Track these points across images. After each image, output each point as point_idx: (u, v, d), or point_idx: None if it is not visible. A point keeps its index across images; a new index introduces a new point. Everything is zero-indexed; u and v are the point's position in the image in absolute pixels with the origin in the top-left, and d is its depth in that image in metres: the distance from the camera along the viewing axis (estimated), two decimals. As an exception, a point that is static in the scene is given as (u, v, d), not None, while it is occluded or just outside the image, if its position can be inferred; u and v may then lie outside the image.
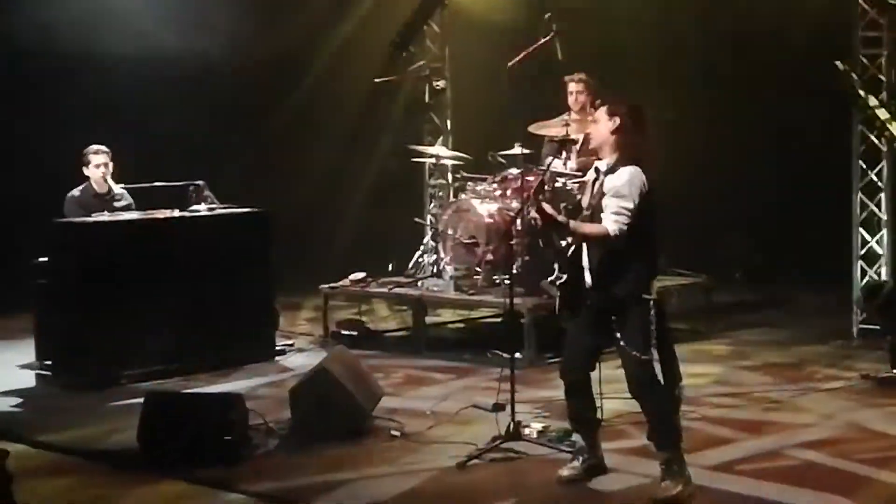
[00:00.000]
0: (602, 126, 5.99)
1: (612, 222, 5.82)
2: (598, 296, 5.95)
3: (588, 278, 5.99)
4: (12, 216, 11.15)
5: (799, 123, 12.01)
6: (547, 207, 5.90)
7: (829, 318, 10.45)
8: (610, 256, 5.90)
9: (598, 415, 6.26)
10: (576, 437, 6.35)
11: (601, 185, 5.95)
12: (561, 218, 5.92)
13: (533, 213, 5.94)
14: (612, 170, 5.93)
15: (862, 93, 9.67)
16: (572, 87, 9.65)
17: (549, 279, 6.65)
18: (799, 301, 11.65)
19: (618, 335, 5.90)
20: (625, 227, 5.81)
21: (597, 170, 6.05)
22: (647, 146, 6.01)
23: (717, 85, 12.28)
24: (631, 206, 5.81)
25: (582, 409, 6.19)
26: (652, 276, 5.99)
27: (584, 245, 5.99)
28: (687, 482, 5.93)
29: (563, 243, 6.16)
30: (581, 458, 6.24)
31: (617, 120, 5.95)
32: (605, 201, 5.87)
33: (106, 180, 9.38)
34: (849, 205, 10.07)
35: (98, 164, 9.34)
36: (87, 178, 9.38)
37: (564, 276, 6.10)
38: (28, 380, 8.73)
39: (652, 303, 5.89)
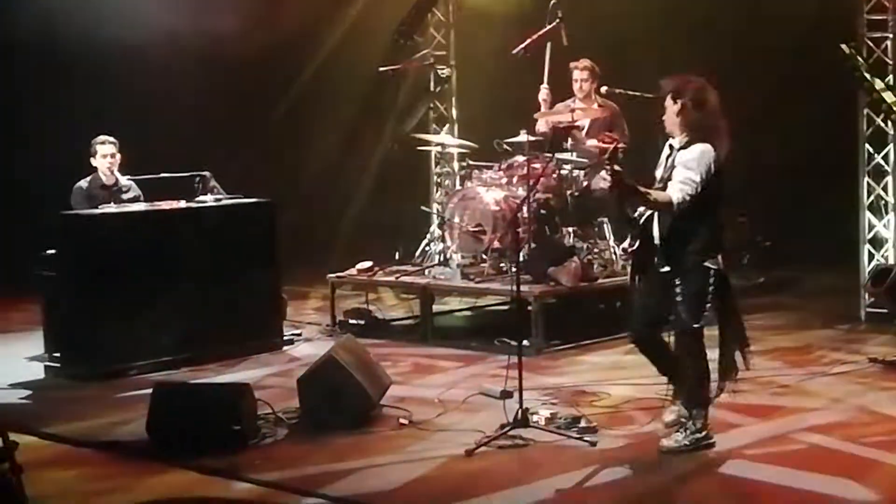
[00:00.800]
0: (669, 111, 6.37)
1: (677, 191, 6.20)
2: (664, 261, 6.32)
3: (657, 244, 6.35)
4: (19, 207, 11.18)
5: (805, 107, 11.98)
6: (620, 171, 6.16)
7: (836, 302, 10.43)
8: (677, 224, 6.27)
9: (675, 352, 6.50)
10: (668, 388, 6.67)
11: (674, 159, 6.32)
12: (630, 182, 6.18)
13: (606, 177, 6.18)
14: (685, 146, 6.32)
15: (868, 76, 9.64)
16: (577, 73, 9.66)
17: (623, 246, 6.93)
18: (806, 285, 11.64)
19: (678, 300, 6.26)
20: (688, 197, 6.19)
21: (671, 146, 6.42)
22: (714, 122, 6.37)
23: (721, 69, 12.15)
24: (698, 178, 6.20)
25: (662, 362, 6.59)
26: (716, 248, 6.35)
27: (656, 213, 6.34)
28: (696, 442, 6.34)
29: (636, 212, 6.46)
30: (671, 412, 6.63)
31: (681, 103, 6.33)
32: (675, 173, 6.26)
33: (113, 171, 9.35)
34: (856, 188, 10.05)
35: (105, 155, 9.33)
36: (95, 168, 9.38)
37: (637, 243, 6.46)
38: (37, 372, 8.74)
39: (713, 273, 6.28)
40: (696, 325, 6.29)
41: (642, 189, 6.22)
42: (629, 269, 6.64)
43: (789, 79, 12.05)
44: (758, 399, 7.48)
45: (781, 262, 11.88)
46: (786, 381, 7.89)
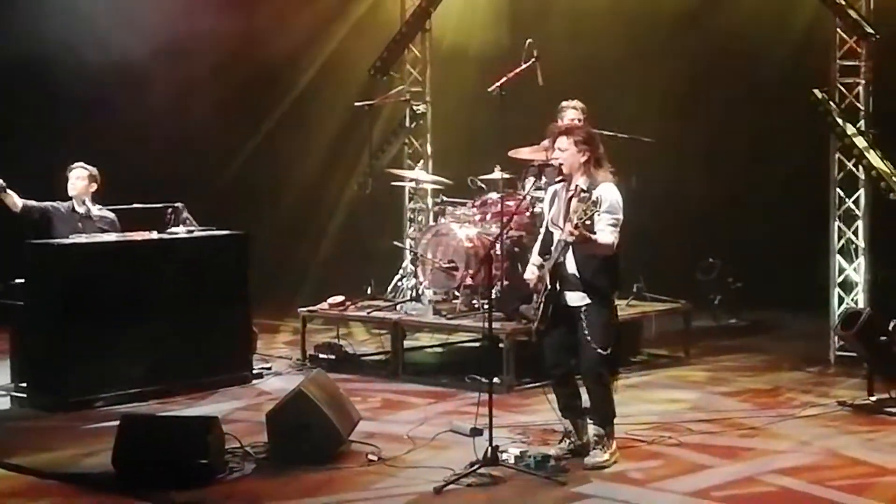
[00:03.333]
0: (567, 151, 6.85)
1: (609, 234, 6.71)
2: (574, 297, 6.81)
3: (575, 279, 6.79)
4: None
5: (776, 150, 12.08)
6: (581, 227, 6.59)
7: (806, 345, 10.48)
8: (597, 262, 6.78)
9: (582, 403, 7.05)
10: (565, 423, 7.11)
11: (581, 199, 6.60)
12: (587, 233, 6.61)
13: (570, 229, 6.55)
14: (591, 186, 6.74)
15: (840, 121, 9.75)
16: (571, 113, 9.47)
17: (534, 300, 7.05)
18: (776, 327, 11.69)
19: (585, 331, 6.77)
20: (618, 237, 6.75)
21: (577, 187, 6.78)
22: (604, 155, 6.96)
23: (693, 111, 12.34)
24: (621, 217, 6.77)
25: (569, 398, 7.06)
26: (618, 285, 7.06)
27: (572, 252, 6.75)
28: (613, 453, 6.90)
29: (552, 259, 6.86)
30: (568, 441, 7.05)
31: (576, 141, 6.85)
32: (598, 217, 6.63)
33: (83, 198, 9.31)
34: (827, 232, 10.11)
35: (77, 180, 9.28)
36: (70, 196, 9.32)
37: (549, 288, 6.82)
38: (3, 402, 8.66)
39: (614, 307, 7.01)
40: (606, 352, 6.78)
41: (592, 236, 6.63)
42: (540, 306, 6.87)
43: (762, 123, 12.16)
44: (726, 440, 7.50)
45: (752, 304, 11.94)
46: (755, 423, 7.90)
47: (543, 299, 6.86)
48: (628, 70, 12.35)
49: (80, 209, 9.31)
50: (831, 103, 9.81)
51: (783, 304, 11.94)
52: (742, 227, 12.40)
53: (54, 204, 9.27)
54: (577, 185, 6.80)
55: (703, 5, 12.17)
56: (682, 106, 12.34)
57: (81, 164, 9.39)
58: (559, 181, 6.97)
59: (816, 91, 9.81)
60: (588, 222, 6.57)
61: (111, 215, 9.40)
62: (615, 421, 7.03)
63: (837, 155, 9.99)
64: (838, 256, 10.07)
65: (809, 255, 10.79)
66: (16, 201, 9.05)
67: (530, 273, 7.09)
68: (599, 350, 6.77)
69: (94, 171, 9.39)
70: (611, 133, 9.12)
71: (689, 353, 10.13)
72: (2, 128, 11.99)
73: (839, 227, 10.06)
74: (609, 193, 6.73)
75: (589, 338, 6.77)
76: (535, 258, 7.10)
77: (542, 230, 7.15)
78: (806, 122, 10.43)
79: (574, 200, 6.68)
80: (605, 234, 6.69)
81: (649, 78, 12.33)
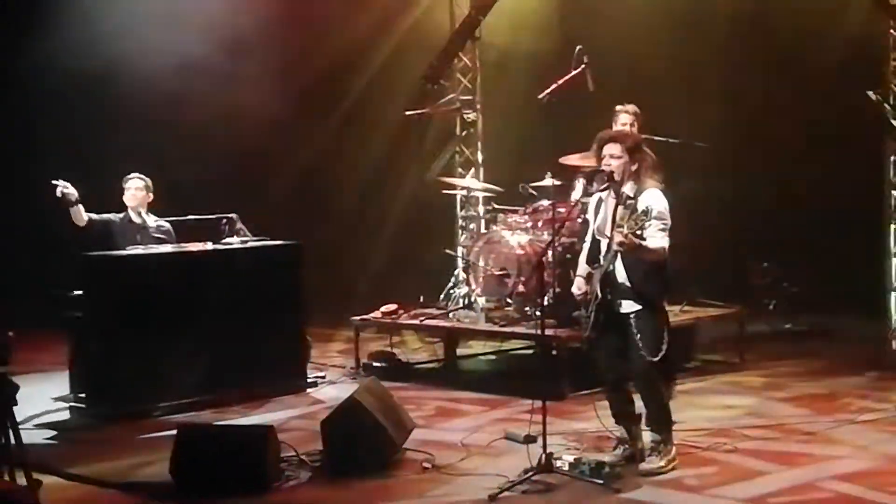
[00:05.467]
0: (616, 158, 6.83)
1: (660, 238, 6.71)
2: (625, 305, 6.80)
3: (625, 287, 6.78)
4: (46, 247, 11.24)
5: (831, 152, 11.96)
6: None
7: (864, 349, 10.36)
8: (646, 269, 6.74)
9: (636, 410, 7.04)
10: (619, 429, 7.10)
11: (627, 206, 6.64)
12: (638, 241, 6.60)
13: (619, 239, 6.54)
14: (638, 192, 6.76)
15: (895, 122, 9.64)
16: (624, 117, 9.43)
17: (583, 309, 7.07)
18: (832, 332, 11.56)
19: (637, 337, 6.73)
20: (668, 242, 6.75)
21: (623, 194, 6.78)
22: (653, 162, 7.05)
23: (747, 114, 12.26)
24: (669, 222, 6.76)
25: (622, 404, 7.05)
26: (669, 292, 7.07)
27: (621, 258, 6.75)
28: (671, 460, 6.87)
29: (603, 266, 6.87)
30: (623, 448, 7.05)
31: (626, 148, 6.84)
32: (648, 222, 6.63)
33: (139, 209, 9.37)
34: (884, 235, 10.00)
35: (133, 192, 9.35)
36: (126, 206, 9.41)
37: (599, 297, 6.84)
38: (62, 412, 8.78)
39: (664, 313, 6.96)
40: (656, 359, 6.73)
41: (643, 242, 6.59)
42: (591, 315, 6.89)
43: (817, 125, 12.04)
44: (783, 446, 7.43)
45: (808, 308, 11.82)
46: (811, 429, 7.83)
47: (594, 308, 6.85)
48: (680, 73, 12.29)
49: (137, 220, 9.38)
50: (886, 105, 9.70)
51: (839, 308, 11.80)
52: (797, 231, 12.27)
53: (112, 216, 9.37)
54: (623, 193, 6.79)
55: (756, 7, 12.09)
56: (734, 109, 12.26)
57: (137, 174, 9.45)
58: (604, 188, 6.94)
59: (871, 92, 9.70)
60: (639, 231, 6.54)
61: (167, 225, 9.47)
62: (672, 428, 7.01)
63: (893, 157, 9.88)
64: (895, 259, 9.94)
65: (866, 259, 10.67)
66: (83, 215, 9.14)
67: (577, 288, 7.07)
68: (649, 357, 6.73)
69: (149, 181, 9.47)
70: (663, 138, 9.09)
71: (745, 358, 10.06)
72: (61, 140, 12.17)
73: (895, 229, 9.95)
74: (656, 200, 6.74)
75: (640, 345, 6.74)
76: (581, 269, 7.09)
77: (588, 239, 7.14)
78: (861, 123, 10.32)
79: (620, 208, 6.67)
80: (656, 239, 6.68)
81: (701, 81, 12.27)
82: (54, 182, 8.96)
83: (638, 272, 6.75)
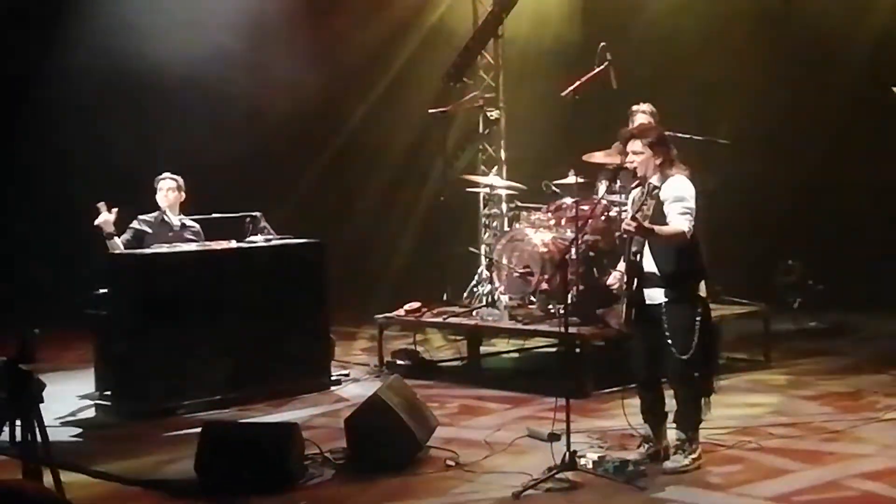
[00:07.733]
0: (641, 155, 6.78)
1: (683, 221, 6.61)
2: (655, 294, 6.71)
3: (651, 279, 6.71)
4: (72, 246, 11.30)
5: (856, 150, 11.91)
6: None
7: (889, 347, 10.31)
8: (674, 256, 6.65)
9: (665, 408, 6.97)
10: (644, 426, 7.01)
11: (652, 196, 6.65)
12: (647, 224, 6.55)
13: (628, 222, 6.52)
14: (663, 182, 6.72)
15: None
16: (641, 117, 9.44)
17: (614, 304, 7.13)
18: (858, 330, 11.51)
19: (667, 335, 6.66)
20: (692, 225, 6.61)
21: (650, 185, 6.76)
22: (675, 154, 6.86)
23: (770, 111, 12.22)
24: (693, 206, 6.65)
25: (653, 402, 6.96)
26: (702, 279, 6.80)
27: (648, 248, 6.69)
28: (696, 459, 6.80)
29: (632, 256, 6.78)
30: (647, 446, 6.97)
31: (649, 143, 6.77)
32: (668, 207, 6.62)
33: (173, 208, 9.32)
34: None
35: (165, 192, 9.31)
36: (158, 206, 9.34)
37: (627, 286, 6.78)
38: (88, 410, 8.83)
39: (699, 305, 6.71)
40: (685, 357, 6.64)
41: (655, 228, 6.56)
42: (623, 309, 6.81)
43: (841, 123, 11.99)
44: (808, 444, 7.40)
45: (833, 306, 11.77)
46: (837, 427, 7.78)
47: (626, 300, 6.80)
48: (704, 69, 12.25)
49: (170, 220, 9.32)
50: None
51: (864, 306, 11.76)
52: (822, 229, 12.23)
53: (140, 224, 9.27)
54: (649, 184, 6.78)
55: (782, 6, 12.04)
56: (759, 106, 12.22)
57: (169, 173, 9.40)
58: (636, 185, 6.93)
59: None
60: (649, 213, 6.52)
61: (196, 226, 9.45)
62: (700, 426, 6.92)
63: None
64: (921, 257, 9.91)
65: (891, 256, 10.61)
66: (118, 246, 9.02)
67: (613, 278, 7.07)
68: (678, 355, 6.66)
69: (181, 180, 9.42)
70: (686, 135, 9.06)
71: (769, 356, 10.02)
72: (89, 139, 12.24)
73: (922, 226, 9.91)
74: (679, 185, 6.68)
75: (670, 342, 6.67)
76: (622, 264, 7.05)
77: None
78: (887, 120, 10.27)
79: (648, 199, 6.66)
80: (677, 221, 6.61)
81: (726, 77, 12.23)
82: (98, 205, 8.92)
83: (664, 259, 6.67)
